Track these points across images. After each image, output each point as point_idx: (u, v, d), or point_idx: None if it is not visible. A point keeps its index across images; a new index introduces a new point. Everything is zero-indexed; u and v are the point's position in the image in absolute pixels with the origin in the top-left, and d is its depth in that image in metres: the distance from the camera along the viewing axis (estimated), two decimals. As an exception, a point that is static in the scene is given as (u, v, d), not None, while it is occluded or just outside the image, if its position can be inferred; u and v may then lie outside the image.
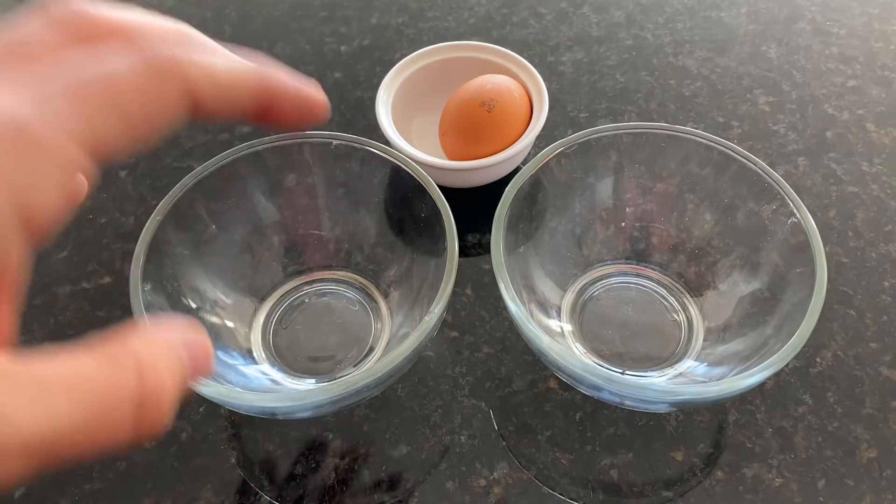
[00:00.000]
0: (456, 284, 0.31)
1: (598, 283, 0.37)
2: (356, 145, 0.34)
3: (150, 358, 0.15)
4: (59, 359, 0.14)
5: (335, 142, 0.34)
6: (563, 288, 0.36)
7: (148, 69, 0.16)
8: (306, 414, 0.31)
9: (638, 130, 0.34)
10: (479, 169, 0.38)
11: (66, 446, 0.14)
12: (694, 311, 0.35)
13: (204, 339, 0.18)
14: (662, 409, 0.31)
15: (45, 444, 0.13)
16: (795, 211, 0.31)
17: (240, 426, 0.34)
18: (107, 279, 0.39)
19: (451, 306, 0.37)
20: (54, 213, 0.15)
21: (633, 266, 0.37)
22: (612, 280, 0.37)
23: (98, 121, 0.15)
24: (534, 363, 0.35)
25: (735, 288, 0.34)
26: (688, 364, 0.33)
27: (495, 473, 0.32)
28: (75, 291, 0.39)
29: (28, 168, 0.14)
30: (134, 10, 0.18)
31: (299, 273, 0.37)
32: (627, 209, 0.36)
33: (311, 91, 0.21)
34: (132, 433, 0.15)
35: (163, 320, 0.18)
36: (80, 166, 0.15)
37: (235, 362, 0.33)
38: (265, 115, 0.20)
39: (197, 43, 0.18)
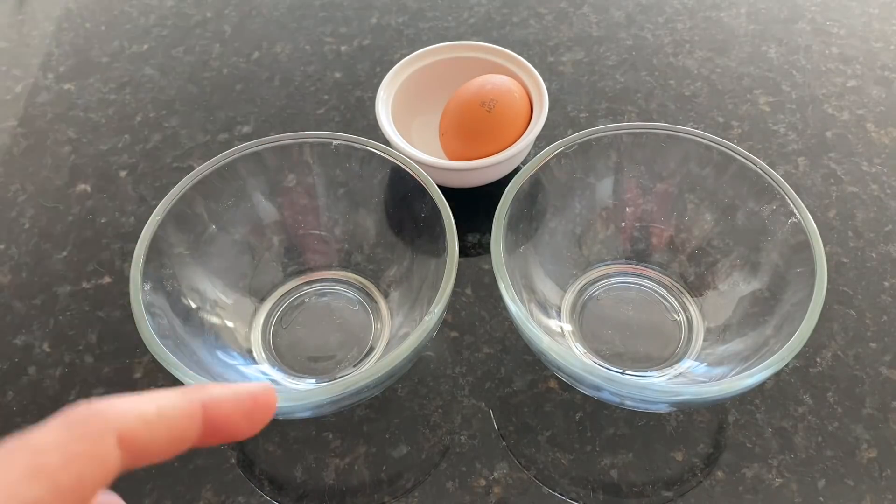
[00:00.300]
0: (456, 284, 0.31)
1: (598, 283, 0.37)
2: (356, 145, 0.34)
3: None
4: None
5: (335, 142, 0.34)
6: (563, 288, 0.36)
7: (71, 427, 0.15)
8: (306, 414, 0.31)
9: (638, 130, 0.34)
10: (479, 169, 0.38)
11: None
12: (694, 311, 0.35)
13: None
14: (662, 409, 0.31)
15: None
16: (795, 211, 0.31)
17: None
18: (107, 279, 0.39)
19: (451, 306, 0.37)
20: None
21: (633, 266, 0.37)
22: (612, 280, 0.37)
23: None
24: (534, 363, 0.35)
25: (735, 288, 0.34)
26: (688, 364, 0.33)
27: (495, 473, 0.32)
28: (75, 291, 0.39)
29: None
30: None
31: (299, 273, 0.37)
32: (627, 209, 0.36)
33: (252, 389, 0.19)
34: None
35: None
36: None
37: (235, 362, 0.33)
38: (215, 432, 0.18)
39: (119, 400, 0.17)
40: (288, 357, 0.35)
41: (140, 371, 0.36)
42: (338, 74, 0.48)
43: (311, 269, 0.37)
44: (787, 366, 0.29)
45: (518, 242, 0.33)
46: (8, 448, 0.15)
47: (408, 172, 0.33)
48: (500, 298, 0.32)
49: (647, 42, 0.50)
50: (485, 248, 0.40)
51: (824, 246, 0.30)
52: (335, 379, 0.31)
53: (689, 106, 0.46)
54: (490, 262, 0.30)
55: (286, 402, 0.28)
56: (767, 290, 0.32)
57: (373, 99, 0.41)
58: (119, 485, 0.34)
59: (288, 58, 0.50)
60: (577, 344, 0.35)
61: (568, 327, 0.35)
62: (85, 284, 0.39)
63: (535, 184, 0.33)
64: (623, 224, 0.37)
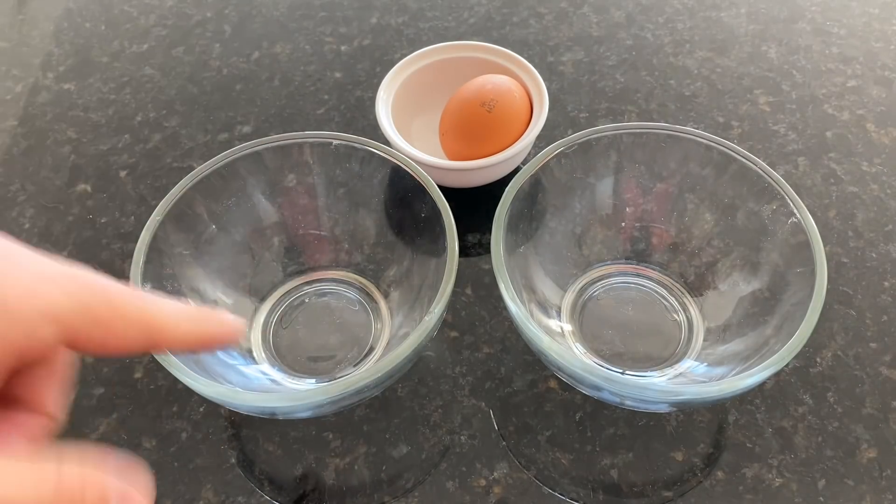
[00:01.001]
0: (456, 284, 0.31)
1: (598, 283, 0.37)
2: (356, 145, 0.34)
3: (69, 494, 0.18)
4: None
5: (335, 142, 0.34)
6: (563, 288, 0.36)
7: None
8: (306, 414, 0.31)
9: (638, 130, 0.34)
10: (479, 169, 0.38)
11: None
12: (694, 311, 0.35)
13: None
14: (662, 409, 0.31)
15: None
16: (795, 211, 0.31)
17: (240, 426, 0.34)
18: (107, 279, 0.39)
19: (451, 306, 0.37)
20: None
21: (633, 266, 0.37)
22: (612, 280, 0.37)
23: None
24: (534, 363, 0.35)
25: (735, 288, 0.34)
26: (688, 364, 0.33)
27: (495, 473, 0.32)
28: (75, 291, 0.39)
29: None
30: None
31: (299, 273, 0.37)
32: (627, 209, 0.36)
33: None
34: None
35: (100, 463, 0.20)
36: None
37: (235, 362, 0.33)
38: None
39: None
40: (288, 357, 0.35)
41: (140, 371, 0.36)
42: (338, 74, 0.48)
43: (311, 269, 0.37)
44: (787, 366, 0.29)
45: (518, 242, 0.33)
46: None
47: (408, 172, 0.33)
48: (500, 298, 0.32)
49: (647, 42, 0.50)
50: (485, 248, 0.40)
51: (824, 246, 0.30)
52: (335, 379, 0.31)
53: (689, 106, 0.46)
54: (490, 262, 0.30)
55: (286, 402, 0.28)
56: (767, 290, 0.32)
57: (373, 99, 0.41)
58: (119, 485, 0.34)
59: (288, 58, 0.50)
60: (577, 344, 0.35)
61: (568, 327, 0.35)
62: (85, 284, 0.39)
63: (535, 184, 0.33)
64: (623, 224, 0.37)
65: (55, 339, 0.19)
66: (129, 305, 0.22)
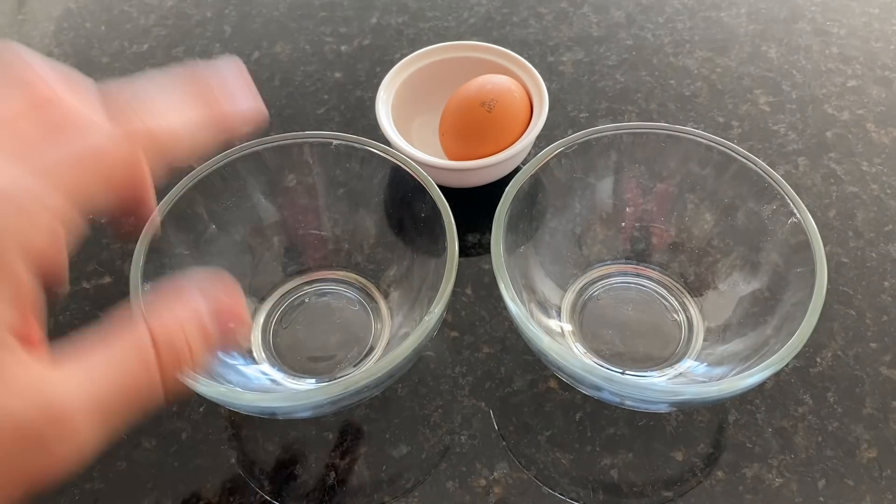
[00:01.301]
0: (456, 284, 0.31)
1: (598, 283, 0.37)
2: (356, 145, 0.34)
3: (165, 337, 0.20)
4: (91, 354, 0.19)
5: (335, 142, 0.34)
6: (563, 288, 0.36)
7: (127, 138, 0.20)
8: (306, 414, 0.31)
9: (638, 130, 0.34)
10: (479, 169, 0.38)
11: (114, 407, 0.19)
12: (694, 311, 0.35)
13: (233, 306, 0.21)
14: (662, 409, 0.31)
15: (100, 406, 0.18)
16: (795, 211, 0.31)
17: (240, 426, 0.34)
18: (107, 279, 0.39)
19: (451, 306, 0.37)
20: (54, 256, 0.19)
21: (633, 266, 0.37)
22: (612, 280, 0.37)
23: (89, 187, 0.19)
24: (534, 363, 0.35)
25: (735, 288, 0.34)
26: (688, 364, 0.33)
27: (495, 473, 0.32)
28: (75, 291, 0.39)
29: (35, 228, 0.18)
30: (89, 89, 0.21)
31: (299, 273, 0.37)
32: (627, 209, 0.36)
33: (253, 116, 0.24)
34: (159, 394, 0.19)
35: (196, 284, 0.21)
36: (79, 228, 0.19)
37: (235, 362, 0.33)
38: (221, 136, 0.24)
39: (154, 104, 0.22)
40: (288, 357, 0.35)
41: (140, 371, 0.36)
42: (338, 74, 0.48)
43: (311, 269, 0.37)
44: (787, 366, 0.29)
45: (518, 242, 0.33)
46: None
47: (408, 172, 0.33)
48: (500, 298, 0.32)
49: (647, 42, 0.50)
50: (485, 248, 0.40)
51: (824, 246, 0.30)
52: (335, 379, 0.31)
53: (689, 106, 0.46)
54: (490, 262, 0.30)
55: (286, 402, 0.28)
56: (767, 290, 0.32)
57: (373, 99, 0.41)
58: (119, 484, 0.35)
59: (288, 58, 0.50)
60: (577, 344, 0.35)
61: (568, 327, 0.35)
62: (85, 284, 0.39)
63: (535, 184, 0.33)
64: (623, 224, 0.37)
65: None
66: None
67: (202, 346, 0.20)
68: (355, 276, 0.37)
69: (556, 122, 0.45)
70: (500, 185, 0.34)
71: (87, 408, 0.18)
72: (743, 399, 0.34)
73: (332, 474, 0.33)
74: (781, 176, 0.33)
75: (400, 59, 0.43)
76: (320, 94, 0.47)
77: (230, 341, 0.22)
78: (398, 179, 0.33)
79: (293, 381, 0.34)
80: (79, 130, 0.20)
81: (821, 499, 0.31)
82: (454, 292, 0.32)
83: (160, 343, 0.19)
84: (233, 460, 0.33)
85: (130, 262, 0.30)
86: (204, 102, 0.23)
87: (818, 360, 0.35)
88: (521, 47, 0.49)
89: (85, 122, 0.20)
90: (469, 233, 0.40)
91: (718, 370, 0.31)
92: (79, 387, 0.18)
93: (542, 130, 0.40)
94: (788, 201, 0.31)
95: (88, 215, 0.20)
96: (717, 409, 0.34)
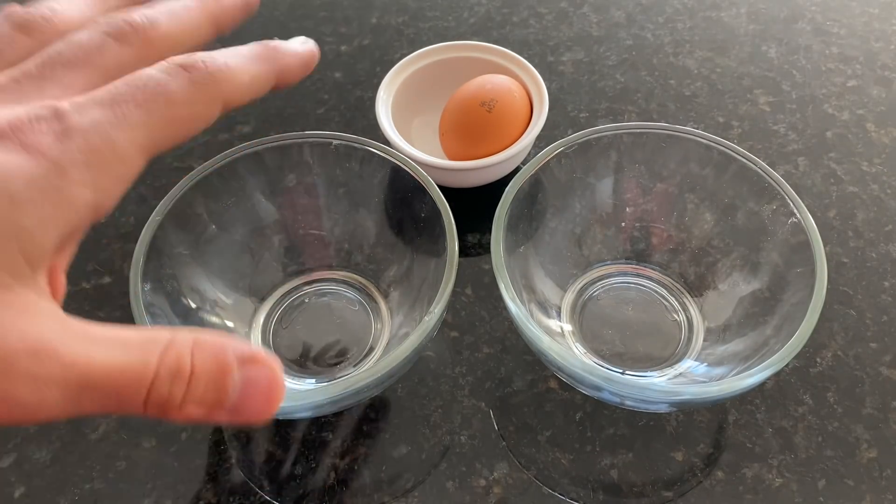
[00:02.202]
0: (456, 284, 0.31)
1: (598, 283, 0.37)
2: (356, 145, 0.34)
3: (180, 356, 0.17)
4: (107, 326, 0.18)
5: (335, 142, 0.34)
6: (563, 288, 0.36)
7: (190, 75, 0.20)
8: (306, 414, 0.31)
9: (638, 130, 0.34)
10: (479, 169, 0.38)
11: (95, 389, 0.16)
12: (694, 311, 0.35)
13: (270, 375, 0.19)
14: (662, 409, 0.31)
15: (79, 381, 0.16)
16: (795, 211, 0.31)
17: (240, 426, 0.34)
18: (107, 279, 0.39)
19: (451, 306, 0.37)
20: (113, 202, 0.19)
21: (633, 266, 0.37)
22: (612, 280, 0.37)
23: (155, 126, 0.19)
24: (534, 363, 0.35)
25: (735, 288, 0.34)
26: (688, 364, 0.33)
27: (495, 473, 0.32)
28: (75, 291, 0.39)
29: (107, 166, 0.18)
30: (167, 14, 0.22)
31: (299, 273, 0.37)
32: (627, 209, 0.36)
33: (306, 52, 0.25)
34: (147, 407, 0.17)
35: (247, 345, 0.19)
36: (138, 171, 0.19)
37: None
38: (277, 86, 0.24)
39: (219, 53, 0.21)
40: (288, 357, 0.35)
41: (140, 371, 0.36)
42: (338, 74, 0.48)
43: (311, 269, 0.37)
44: (787, 366, 0.29)
45: (518, 242, 0.33)
46: (142, 84, 0.19)
47: (408, 172, 0.33)
48: (500, 298, 0.32)
49: (647, 42, 0.50)
50: (485, 248, 0.40)
51: (824, 246, 0.30)
52: (335, 379, 0.31)
53: (689, 106, 0.46)
54: (490, 262, 0.30)
55: (286, 402, 0.28)
56: (767, 290, 0.32)
57: (373, 99, 0.41)
58: (119, 484, 0.34)
59: (288, 58, 0.50)
60: (577, 344, 0.35)
61: (568, 327, 0.35)
62: (85, 284, 0.39)
63: (535, 184, 0.33)
64: (623, 224, 0.37)
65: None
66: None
67: (203, 397, 0.18)
68: (355, 276, 0.37)
69: (556, 122, 0.45)
70: (500, 185, 0.34)
71: (63, 375, 0.16)
72: (743, 399, 0.34)
73: (332, 474, 0.33)
74: (781, 176, 0.33)
75: (400, 59, 0.43)
76: (320, 94, 0.47)
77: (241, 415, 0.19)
78: (398, 179, 0.33)
79: (293, 381, 0.34)
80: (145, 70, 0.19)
81: (821, 499, 0.31)
82: (454, 292, 0.32)
83: (166, 366, 0.17)
84: (233, 460, 0.33)
85: (130, 262, 0.30)
86: (263, 45, 0.23)
87: (818, 360, 0.35)
88: (521, 47, 0.49)
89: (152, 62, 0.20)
90: (469, 233, 0.40)
91: (718, 370, 0.31)
92: (69, 347, 0.17)
93: (542, 130, 0.40)
94: (788, 201, 0.31)
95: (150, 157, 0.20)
96: (717, 409, 0.34)
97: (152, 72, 0.19)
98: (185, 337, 0.18)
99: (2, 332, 0.16)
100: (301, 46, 0.24)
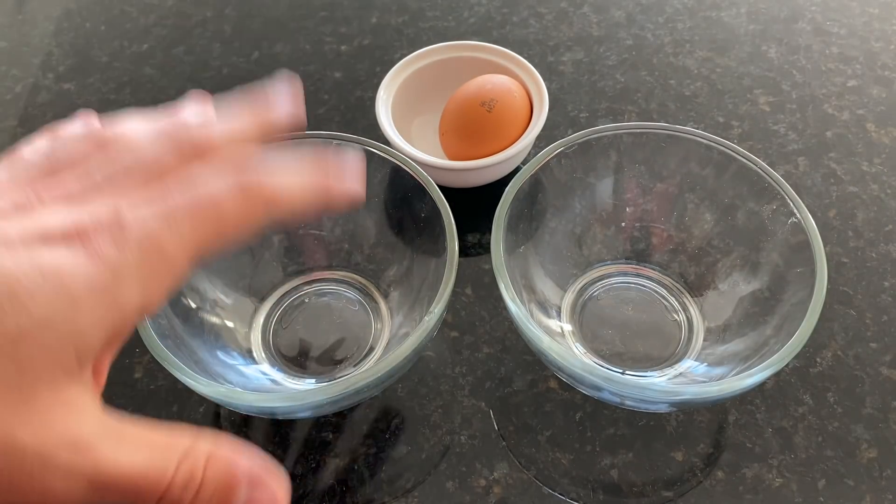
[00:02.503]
0: (456, 284, 0.31)
1: (598, 283, 0.37)
2: (356, 145, 0.34)
3: (194, 467, 0.19)
4: (137, 425, 0.19)
5: (335, 142, 0.34)
6: (563, 288, 0.36)
7: (242, 192, 0.20)
8: (306, 414, 0.31)
9: (638, 130, 0.34)
10: (479, 169, 0.38)
11: (117, 488, 0.18)
12: (694, 311, 0.35)
13: (274, 500, 0.20)
14: (662, 409, 0.31)
15: (106, 479, 0.17)
16: (795, 211, 0.31)
17: (240, 426, 0.34)
18: (107, 279, 0.39)
19: (451, 306, 0.37)
20: (159, 304, 0.20)
21: (633, 266, 0.37)
22: (612, 280, 0.37)
23: (204, 237, 0.20)
24: (534, 363, 0.35)
25: (735, 288, 0.34)
26: (688, 364, 0.33)
27: (495, 473, 0.32)
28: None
29: (156, 273, 0.19)
30: (220, 125, 0.23)
31: (299, 273, 0.37)
32: (627, 209, 0.36)
33: (355, 193, 0.24)
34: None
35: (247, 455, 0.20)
36: (184, 276, 0.20)
37: (235, 362, 0.33)
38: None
39: (269, 163, 0.22)
40: (288, 357, 0.35)
41: (140, 371, 0.36)
42: (338, 74, 0.48)
43: (311, 269, 0.37)
44: (787, 366, 0.29)
45: (518, 242, 0.33)
46: (189, 196, 0.20)
47: (408, 172, 0.33)
48: (500, 298, 0.32)
49: (647, 42, 0.50)
50: (485, 248, 0.40)
51: (824, 246, 0.30)
52: (335, 379, 0.31)
53: (689, 106, 0.46)
54: (490, 262, 0.30)
55: (286, 402, 0.28)
56: (767, 290, 0.32)
57: (373, 99, 0.41)
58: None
59: (288, 58, 0.50)
60: (577, 344, 0.35)
61: (568, 327, 0.35)
62: (85, 284, 0.39)
63: (535, 184, 0.33)
64: (623, 224, 0.37)
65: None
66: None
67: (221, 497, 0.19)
68: (355, 276, 0.37)
69: (556, 122, 0.45)
70: (500, 185, 0.34)
71: (92, 475, 0.17)
72: (743, 399, 0.34)
73: (332, 474, 0.33)
74: (781, 176, 0.33)
75: (400, 59, 0.43)
76: (320, 94, 0.47)
77: None
78: (398, 179, 0.33)
79: (293, 381, 0.34)
80: (199, 178, 0.20)
81: (821, 499, 0.31)
82: (454, 292, 0.32)
83: (181, 475, 0.18)
84: (233, 460, 0.33)
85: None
86: (318, 171, 0.23)
87: (818, 360, 0.35)
88: (521, 47, 0.49)
89: (206, 171, 0.21)
90: (469, 233, 0.40)
91: (718, 370, 0.31)
92: (106, 448, 0.18)
93: (542, 130, 0.40)
94: (788, 201, 0.31)
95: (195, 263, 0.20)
96: (717, 409, 0.34)
97: (209, 183, 0.20)
98: (202, 448, 0.19)
99: (50, 428, 0.17)
100: (353, 189, 0.24)
